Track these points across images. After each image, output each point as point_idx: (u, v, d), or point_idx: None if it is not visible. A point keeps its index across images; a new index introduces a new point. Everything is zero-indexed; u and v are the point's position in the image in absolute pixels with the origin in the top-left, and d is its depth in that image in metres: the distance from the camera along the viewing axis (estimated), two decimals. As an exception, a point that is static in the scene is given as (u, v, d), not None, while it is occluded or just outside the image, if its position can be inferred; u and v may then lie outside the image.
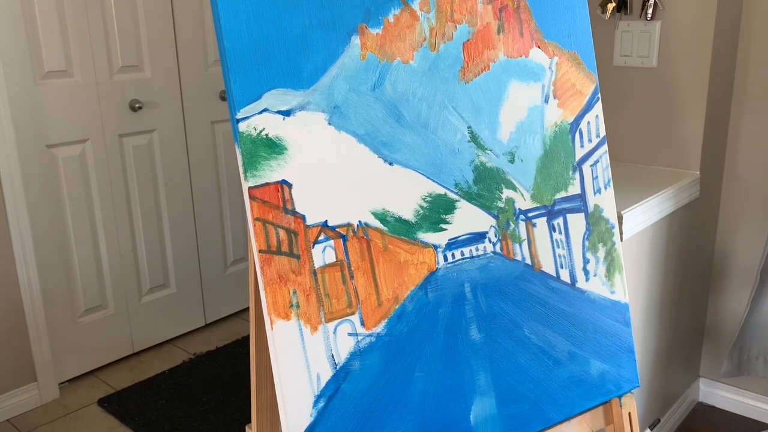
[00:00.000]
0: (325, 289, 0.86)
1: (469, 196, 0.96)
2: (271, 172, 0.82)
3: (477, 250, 0.97)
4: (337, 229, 0.87)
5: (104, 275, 2.52)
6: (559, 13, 1.03)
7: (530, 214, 1.02)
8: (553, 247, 1.04)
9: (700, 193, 1.88)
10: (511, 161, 1.00)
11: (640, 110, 1.92)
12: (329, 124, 0.86)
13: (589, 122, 1.07)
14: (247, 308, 3.04)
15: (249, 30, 0.80)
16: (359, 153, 0.88)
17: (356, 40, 0.87)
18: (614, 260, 1.11)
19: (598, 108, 1.08)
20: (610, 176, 1.10)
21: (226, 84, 0.81)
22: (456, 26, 0.94)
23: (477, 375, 0.98)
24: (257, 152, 0.81)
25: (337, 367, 0.87)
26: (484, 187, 0.98)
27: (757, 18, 1.87)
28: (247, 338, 2.78)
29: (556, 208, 1.04)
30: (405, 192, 0.91)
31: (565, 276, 1.05)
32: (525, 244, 1.02)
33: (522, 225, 1.01)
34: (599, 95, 1.08)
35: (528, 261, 1.02)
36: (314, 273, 0.85)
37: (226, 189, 2.88)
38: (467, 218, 0.96)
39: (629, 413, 1.12)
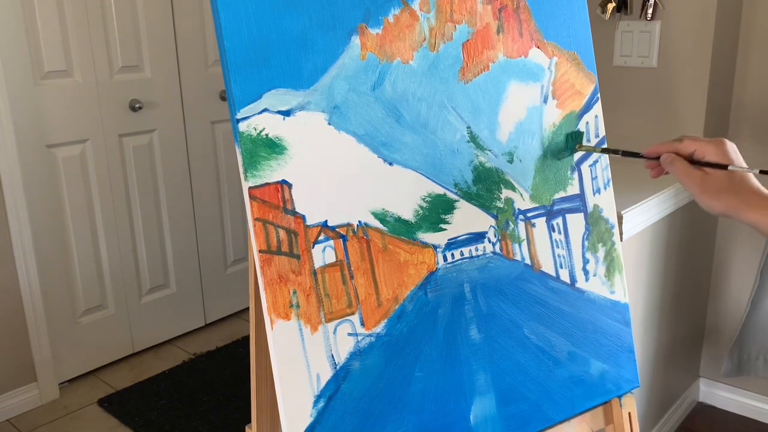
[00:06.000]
0: (325, 289, 0.86)
1: (468, 196, 0.96)
2: (271, 172, 0.82)
3: (476, 250, 0.98)
4: (337, 229, 0.87)
5: (104, 275, 2.52)
6: (558, 14, 1.03)
7: (529, 214, 1.02)
8: (552, 247, 1.04)
9: (700, 193, 1.88)
10: (510, 161, 1.00)
11: (640, 110, 1.92)
12: (329, 124, 0.86)
13: (588, 122, 1.07)
14: (247, 308, 3.04)
15: (249, 30, 0.80)
16: (359, 153, 0.88)
17: (356, 40, 0.87)
18: (614, 260, 1.11)
19: (597, 108, 1.08)
20: (610, 176, 1.10)
21: (226, 84, 0.81)
22: (456, 26, 0.94)
23: (477, 375, 0.98)
24: (257, 152, 0.81)
25: (337, 367, 0.87)
26: (484, 187, 0.98)
27: (757, 18, 1.87)
28: (247, 338, 2.78)
29: (555, 208, 1.05)
30: (405, 192, 0.91)
31: (564, 276, 1.06)
32: (524, 244, 1.02)
33: (521, 225, 1.01)
34: (599, 95, 1.08)
35: (527, 261, 1.02)
36: (314, 273, 0.85)
37: (226, 189, 2.88)
38: (467, 218, 0.96)
39: (629, 413, 1.13)
